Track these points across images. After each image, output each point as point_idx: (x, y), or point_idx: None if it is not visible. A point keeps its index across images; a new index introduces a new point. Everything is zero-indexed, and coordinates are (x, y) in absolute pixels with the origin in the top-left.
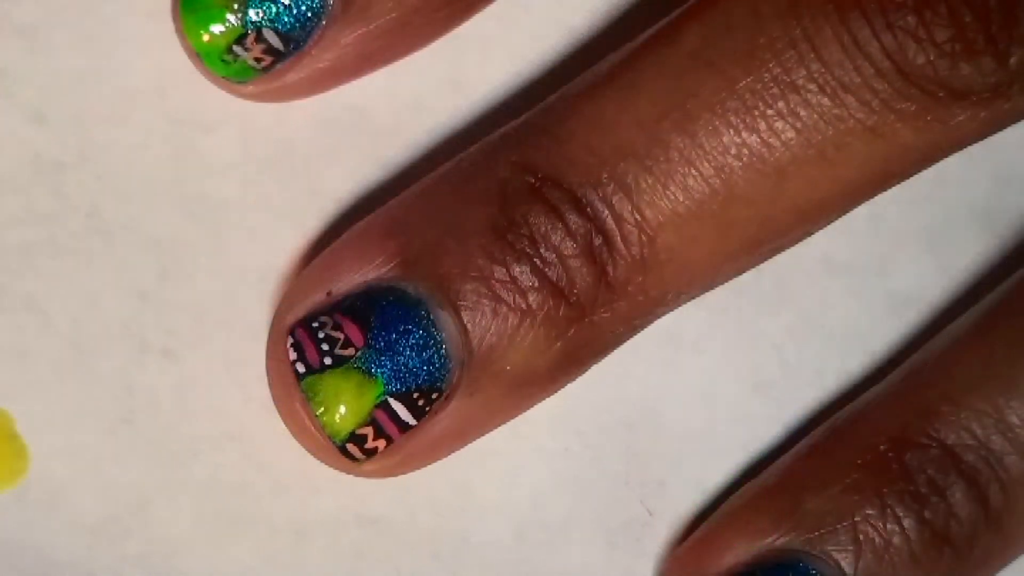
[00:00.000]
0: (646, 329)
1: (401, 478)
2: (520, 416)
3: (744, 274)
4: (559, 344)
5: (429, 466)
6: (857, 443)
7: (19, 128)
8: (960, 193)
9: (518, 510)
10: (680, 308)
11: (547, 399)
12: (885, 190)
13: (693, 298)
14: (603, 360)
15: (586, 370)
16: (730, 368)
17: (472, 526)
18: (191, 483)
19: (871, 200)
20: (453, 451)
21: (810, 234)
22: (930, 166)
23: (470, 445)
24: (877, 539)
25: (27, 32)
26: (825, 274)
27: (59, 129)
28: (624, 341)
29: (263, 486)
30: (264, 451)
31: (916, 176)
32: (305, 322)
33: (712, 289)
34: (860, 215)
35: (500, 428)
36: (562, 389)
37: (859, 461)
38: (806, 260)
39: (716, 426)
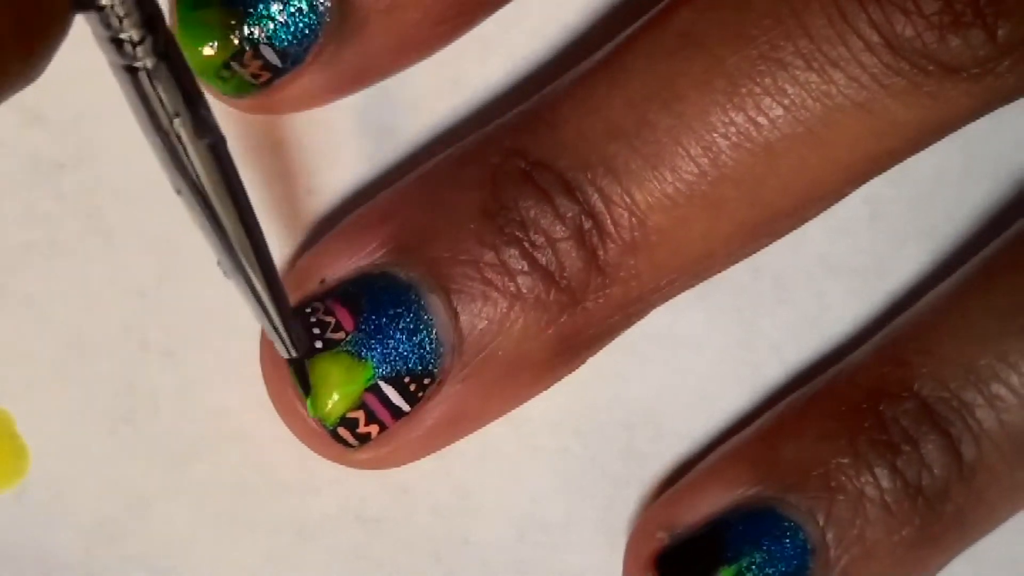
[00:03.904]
0: (646, 329)
1: (401, 478)
2: (520, 416)
3: (744, 274)
4: (551, 330)
5: (429, 466)
6: (834, 396)
7: (19, 128)
8: (960, 193)
9: (518, 510)
10: (680, 308)
11: (546, 399)
12: (879, 172)
13: (687, 288)
14: (602, 360)
15: (581, 362)
16: (730, 368)
17: (472, 526)
18: (191, 483)
19: (870, 200)
20: (447, 443)
21: (805, 219)
22: (924, 147)
23: (470, 446)
24: (850, 487)
25: None
26: (825, 274)
27: (59, 129)
28: (618, 333)
29: (263, 486)
30: (264, 451)
31: (915, 176)
32: (298, 310)
33: (706, 278)
34: (860, 215)
35: (499, 429)
36: (560, 386)
37: (835, 412)
38: (806, 260)
39: (716, 426)
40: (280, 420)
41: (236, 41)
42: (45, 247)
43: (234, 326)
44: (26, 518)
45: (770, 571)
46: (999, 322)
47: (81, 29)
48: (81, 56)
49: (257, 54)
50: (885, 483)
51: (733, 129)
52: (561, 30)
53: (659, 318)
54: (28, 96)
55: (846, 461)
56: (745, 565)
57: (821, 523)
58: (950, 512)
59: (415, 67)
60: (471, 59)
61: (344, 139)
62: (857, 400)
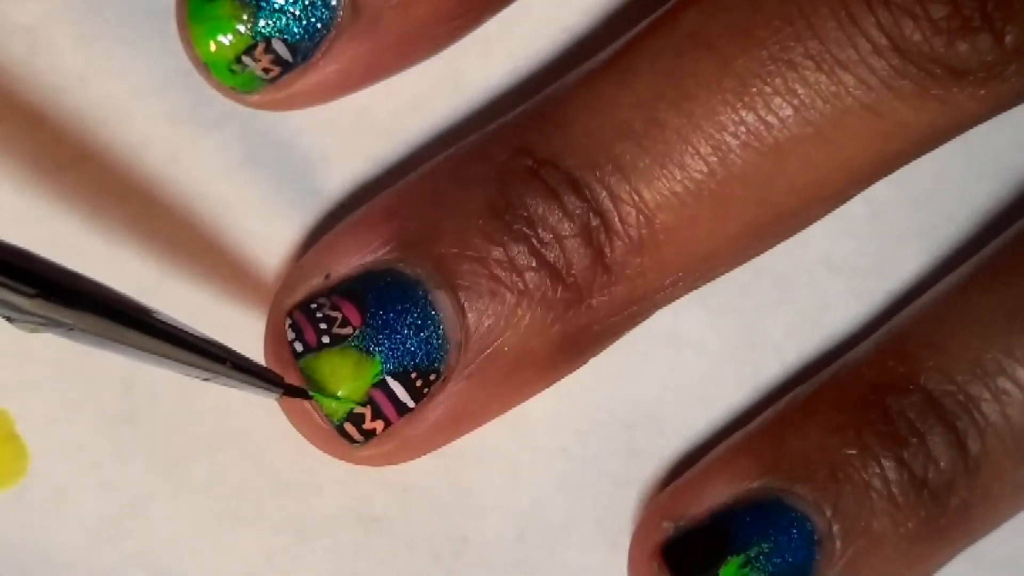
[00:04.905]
0: (647, 329)
1: (401, 478)
2: (520, 416)
3: (744, 274)
4: (557, 327)
5: (429, 466)
6: (839, 390)
7: (19, 128)
8: (960, 193)
9: (518, 510)
10: (681, 309)
11: (546, 399)
12: (885, 174)
13: (691, 289)
14: (603, 360)
15: (585, 361)
16: (730, 368)
17: (472, 526)
18: (191, 483)
19: (871, 200)
20: (449, 440)
21: (811, 220)
22: (930, 149)
23: (470, 445)
24: (856, 479)
25: (27, 32)
26: (825, 274)
27: (59, 129)
28: (623, 332)
29: (263, 486)
30: (264, 451)
31: (916, 176)
32: (303, 305)
33: (712, 279)
34: (860, 215)
35: (499, 428)
36: (562, 386)
37: (841, 405)
38: (806, 260)
39: (717, 425)
40: (280, 419)
41: (248, 34)
42: (45, 247)
43: (234, 326)
44: (26, 518)
45: (776, 561)
46: (1005, 318)
47: (81, 30)
48: (81, 56)
49: (269, 48)
50: (892, 475)
51: (743, 128)
52: (562, 30)
53: (660, 317)
54: (28, 96)
55: (853, 453)
56: (752, 555)
57: (828, 514)
58: (955, 506)
59: (416, 67)
60: (472, 59)
61: (345, 139)
62: (863, 393)
